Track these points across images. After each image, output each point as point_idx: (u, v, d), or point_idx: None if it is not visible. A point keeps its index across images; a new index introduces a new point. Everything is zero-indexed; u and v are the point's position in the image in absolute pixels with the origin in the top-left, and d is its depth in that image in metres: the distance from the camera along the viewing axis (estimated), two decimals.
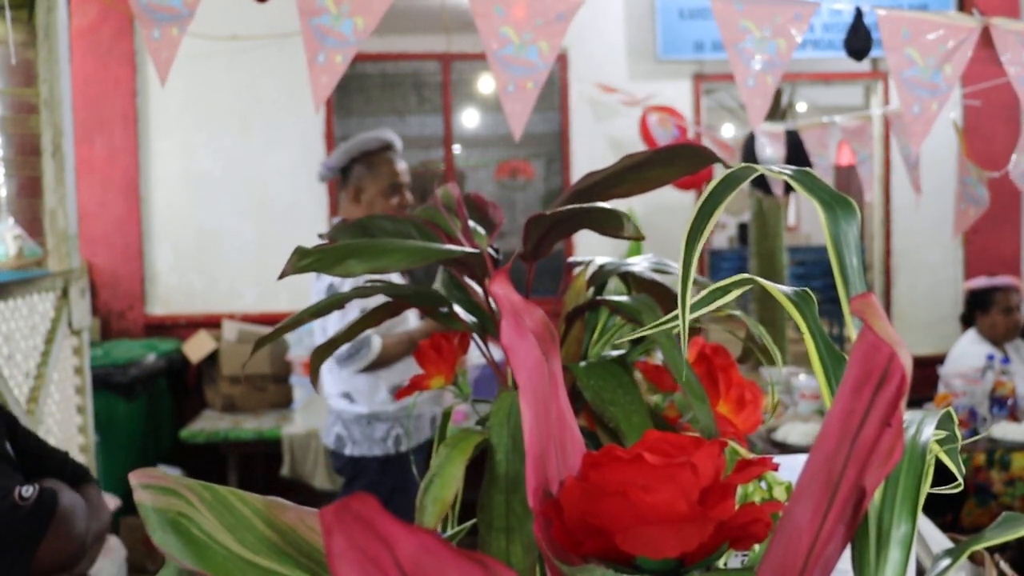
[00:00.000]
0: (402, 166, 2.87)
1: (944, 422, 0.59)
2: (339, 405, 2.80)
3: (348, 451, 2.77)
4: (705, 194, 0.57)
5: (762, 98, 2.43)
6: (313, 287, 2.79)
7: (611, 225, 0.84)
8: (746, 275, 0.60)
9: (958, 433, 0.59)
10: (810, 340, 0.55)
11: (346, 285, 2.62)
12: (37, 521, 1.47)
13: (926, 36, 2.38)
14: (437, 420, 2.96)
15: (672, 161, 0.85)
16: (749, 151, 4.48)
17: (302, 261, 0.81)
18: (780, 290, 0.58)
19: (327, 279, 2.68)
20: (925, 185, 5.10)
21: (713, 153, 0.81)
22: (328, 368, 2.82)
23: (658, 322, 0.62)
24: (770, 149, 4.38)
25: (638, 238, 0.85)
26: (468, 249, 0.87)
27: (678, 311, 0.60)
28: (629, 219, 0.85)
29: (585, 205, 0.83)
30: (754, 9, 2.41)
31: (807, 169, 0.59)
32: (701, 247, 0.56)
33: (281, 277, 0.83)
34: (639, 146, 4.81)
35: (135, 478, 0.50)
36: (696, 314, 0.60)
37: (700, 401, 0.78)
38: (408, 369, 2.77)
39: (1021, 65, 2.33)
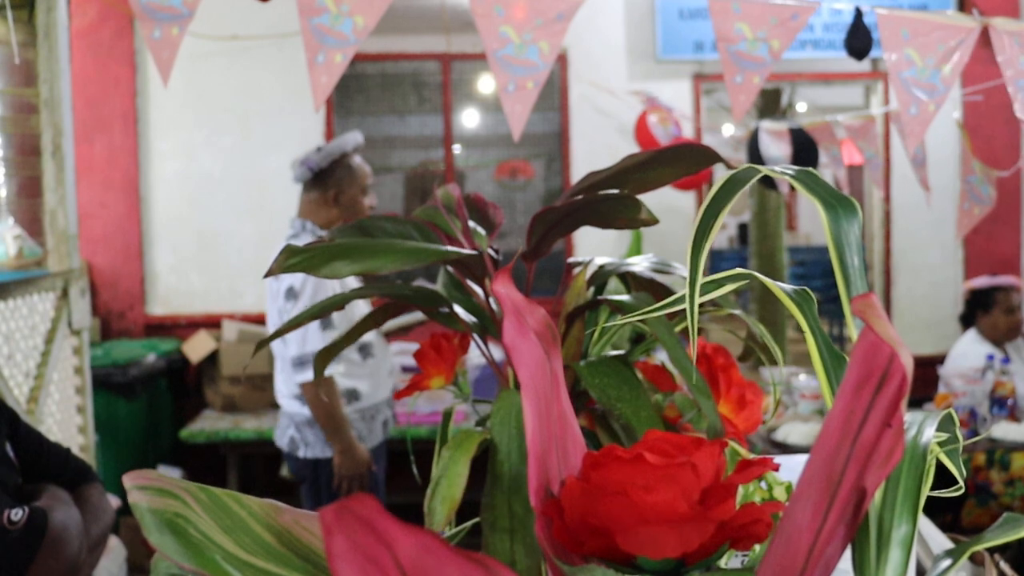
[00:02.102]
0: (367, 166, 2.90)
1: (945, 424, 0.59)
2: (291, 407, 2.78)
3: (302, 453, 2.75)
4: (710, 195, 0.57)
5: (747, 95, 2.45)
6: (270, 288, 2.76)
7: (624, 213, 0.84)
8: (743, 270, 0.60)
9: (959, 435, 0.59)
10: (811, 338, 0.55)
11: (308, 286, 2.61)
12: (26, 545, 1.44)
13: (925, 36, 2.38)
14: (390, 424, 2.92)
15: (675, 161, 0.84)
16: (754, 149, 4.48)
17: (290, 260, 0.80)
18: (780, 287, 0.58)
19: (287, 280, 2.67)
20: None
21: (716, 152, 0.81)
22: (280, 368, 2.80)
23: (654, 306, 0.62)
24: (775, 147, 4.37)
25: (652, 222, 0.84)
26: (463, 250, 0.87)
27: (674, 299, 0.60)
28: (642, 204, 0.84)
29: (595, 195, 0.82)
30: (751, 11, 2.41)
31: (809, 169, 0.59)
32: (708, 248, 0.56)
33: (268, 275, 0.83)
34: (639, 146, 4.80)
35: (129, 480, 0.49)
36: (671, 310, 0.60)
37: (706, 399, 0.78)
38: (362, 375, 2.76)
39: (1017, 65, 2.33)
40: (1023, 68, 2.32)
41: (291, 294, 2.65)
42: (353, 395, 2.75)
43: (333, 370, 2.65)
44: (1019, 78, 2.33)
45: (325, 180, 2.80)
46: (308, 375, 2.61)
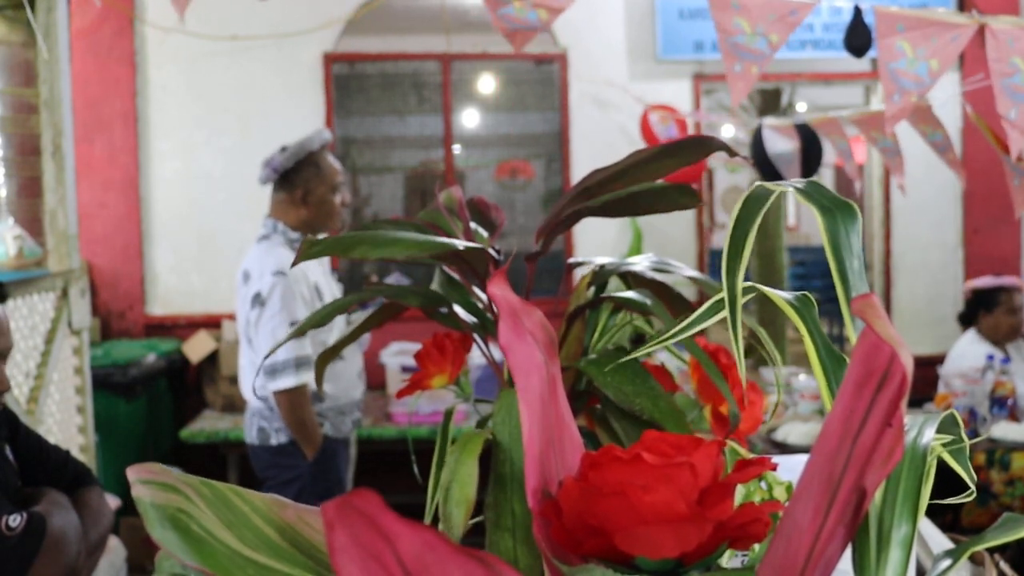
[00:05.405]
0: (337, 164, 2.88)
1: (949, 425, 0.59)
2: (258, 404, 2.77)
3: (274, 440, 2.73)
4: (733, 218, 0.58)
5: (745, 82, 2.47)
6: (239, 292, 2.76)
7: (673, 201, 0.87)
8: (748, 283, 0.60)
9: (964, 436, 0.59)
10: (810, 344, 0.55)
11: (275, 293, 2.61)
12: (25, 550, 1.44)
13: (920, 31, 2.39)
14: (357, 424, 2.94)
15: (677, 152, 0.86)
16: (758, 144, 4.45)
17: (313, 248, 0.83)
18: (781, 296, 0.58)
19: (255, 286, 2.67)
20: (926, 186, 5.09)
21: (721, 141, 0.83)
22: (247, 368, 2.81)
23: (687, 320, 0.63)
24: (780, 143, 4.36)
25: (698, 205, 0.88)
26: (473, 244, 0.88)
27: (703, 310, 0.61)
28: (692, 191, 0.88)
29: (644, 186, 0.85)
30: (750, 6, 2.42)
31: (814, 180, 0.59)
32: (742, 273, 0.57)
33: (295, 264, 0.87)
34: (639, 145, 4.80)
35: (133, 473, 0.50)
36: (704, 325, 0.61)
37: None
38: (329, 377, 2.76)
39: (1005, 64, 2.34)
40: (1011, 67, 2.33)
41: (257, 300, 2.65)
42: (320, 396, 2.77)
43: (307, 378, 2.63)
44: (1005, 76, 2.34)
45: (292, 180, 2.78)
46: (277, 383, 2.61)
